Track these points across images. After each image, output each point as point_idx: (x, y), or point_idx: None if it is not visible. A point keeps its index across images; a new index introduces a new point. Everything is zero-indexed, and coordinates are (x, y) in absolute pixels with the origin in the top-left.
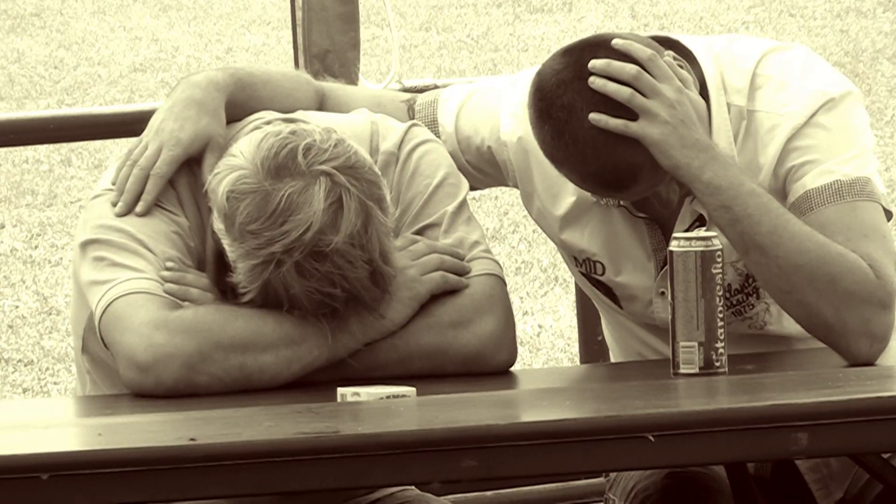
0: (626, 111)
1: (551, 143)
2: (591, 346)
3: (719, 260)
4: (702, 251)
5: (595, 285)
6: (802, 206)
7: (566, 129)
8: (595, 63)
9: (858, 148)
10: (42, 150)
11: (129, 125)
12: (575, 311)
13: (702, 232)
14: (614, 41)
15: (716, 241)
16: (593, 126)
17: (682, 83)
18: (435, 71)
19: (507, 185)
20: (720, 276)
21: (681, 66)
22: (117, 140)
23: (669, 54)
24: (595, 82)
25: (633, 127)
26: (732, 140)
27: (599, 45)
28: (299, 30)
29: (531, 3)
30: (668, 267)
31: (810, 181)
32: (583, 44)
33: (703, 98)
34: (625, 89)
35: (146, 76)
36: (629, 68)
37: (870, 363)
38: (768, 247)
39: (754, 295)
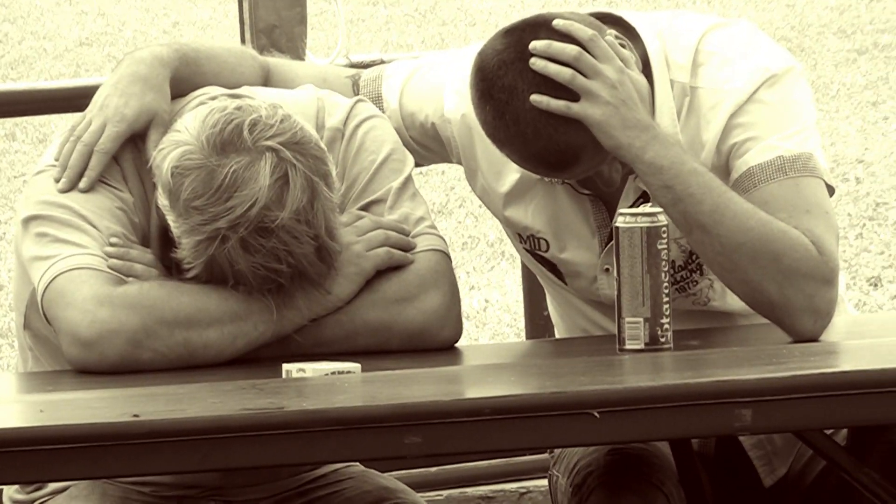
0: (567, 92)
1: (493, 124)
2: (537, 321)
3: (665, 236)
4: (647, 227)
5: (540, 262)
6: (745, 182)
7: (507, 109)
8: (536, 44)
9: (801, 124)
10: None
11: (75, 100)
12: (521, 286)
13: (647, 208)
14: (555, 21)
15: (661, 217)
16: (535, 107)
17: (623, 63)
18: (382, 45)
19: (451, 162)
20: (666, 251)
21: (623, 45)
22: (63, 115)
23: (611, 33)
24: (536, 63)
25: (575, 108)
26: (676, 116)
27: (540, 26)
28: (246, 4)
29: None
30: (612, 243)
31: (753, 157)
32: (524, 24)
33: (647, 75)
34: (566, 70)
35: (92, 50)
36: (570, 49)
37: (814, 339)
38: (710, 226)
39: (698, 271)
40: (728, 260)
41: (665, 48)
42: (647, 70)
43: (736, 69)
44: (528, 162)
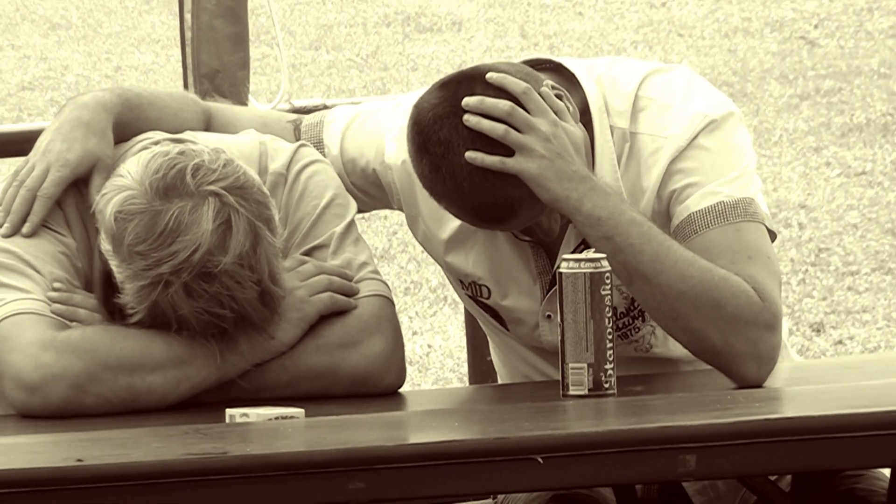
0: (502, 147)
1: (429, 177)
2: (480, 366)
3: (608, 282)
4: (591, 272)
5: (482, 308)
6: (687, 228)
7: (443, 164)
8: (468, 101)
9: (740, 169)
10: None
11: (18, 144)
12: (464, 332)
13: (591, 253)
14: (489, 75)
15: (605, 263)
16: (470, 162)
17: (557, 114)
18: (325, 90)
19: (392, 208)
20: (609, 297)
21: (559, 95)
22: (5, 159)
23: (547, 84)
24: (469, 120)
25: (510, 163)
26: (616, 163)
27: (475, 79)
28: (188, 49)
29: (420, 23)
30: (554, 290)
31: (694, 203)
32: (459, 76)
33: (586, 121)
34: (499, 126)
35: (35, 94)
36: (502, 104)
37: (758, 385)
38: (651, 275)
39: (640, 318)
40: (670, 309)
41: (604, 94)
42: (586, 116)
43: (675, 115)
44: (466, 215)
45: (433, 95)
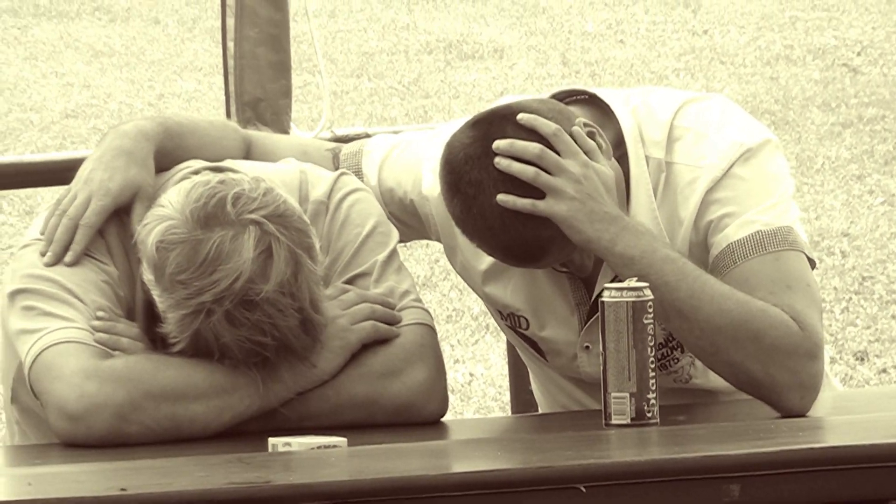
0: (533, 189)
1: (461, 217)
2: (523, 395)
3: (650, 310)
4: (633, 301)
5: (521, 338)
6: (726, 259)
7: (474, 204)
8: (499, 144)
9: (777, 196)
10: None
11: (61, 173)
12: (506, 360)
13: (633, 282)
14: (519, 116)
15: (647, 292)
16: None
17: (589, 154)
18: (366, 118)
19: (430, 239)
20: (651, 326)
21: (590, 133)
22: (49, 188)
23: (579, 122)
24: (501, 163)
25: (541, 206)
26: (652, 193)
27: (506, 119)
28: (231, 77)
29: (462, 50)
30: (592, 320)
31: (732, 233)
32: (490, 116)
33: (622, 152)
34: (530, 169)
35: (78, 122)
36: (532, 147)
37: (802, 414)
38: (688, 311)
39: (679, 349)
40: (709, 343)
41: (640, 124)
42: (621, 148)
43: (711, 145)
44: (498, 254)
45: (465, 135)
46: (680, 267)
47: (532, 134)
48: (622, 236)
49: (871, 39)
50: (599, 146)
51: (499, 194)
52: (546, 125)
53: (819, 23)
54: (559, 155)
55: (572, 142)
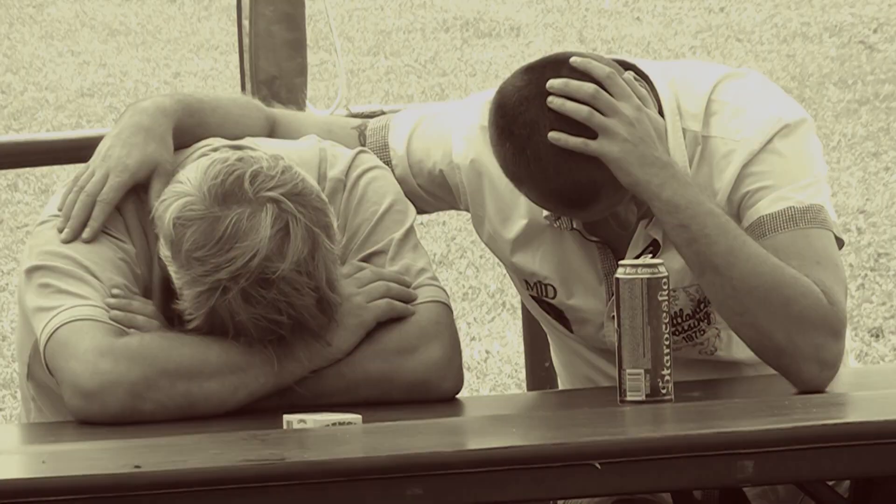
0: (585, 129)
1: (512, 161)
2: (538, 372)
3: (665, 287)
4: (648, 278)
5: (546, 309)
6: (756, 231)
7: (528, 145)
8: (553, 83)
9: (813, 175)
10: None
11: (77, 151)
12: (522, 337)
13: (648, 259)
14: (573, 59)
15: (662, 269)
16: (554, 144)
17: (640, 101)
18: (382, 96)
19: (458, 209)
20: (666, 303)
21: (640, 85)
22: (65, 166)
23: (629, 73)
24: (554, 102)
25: (593, 145)
26: (688, 164)
27: (560, 63)
28: (246, 55)
29: (479, 28)
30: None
31: (764, 207)
32: (544, 61)
33: None
34: (583, 108)
35: (94, 101)
36: (587, 87)
37: (819, 390)
38: (723, 267)
39: (705, 320)
40: (739, 303)
41: (677, 97)
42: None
43: (749, 119)
44: (548, 199)
45: (518, 79)
46: (723, 223)
47: (586, 77)
48: (671, 183)
49: (887, 17)
50: (648, 96)
51: (551, 132)
52: (600, 68)
53: (835, 0)
54: (613, 97)
55: (625, 85)
